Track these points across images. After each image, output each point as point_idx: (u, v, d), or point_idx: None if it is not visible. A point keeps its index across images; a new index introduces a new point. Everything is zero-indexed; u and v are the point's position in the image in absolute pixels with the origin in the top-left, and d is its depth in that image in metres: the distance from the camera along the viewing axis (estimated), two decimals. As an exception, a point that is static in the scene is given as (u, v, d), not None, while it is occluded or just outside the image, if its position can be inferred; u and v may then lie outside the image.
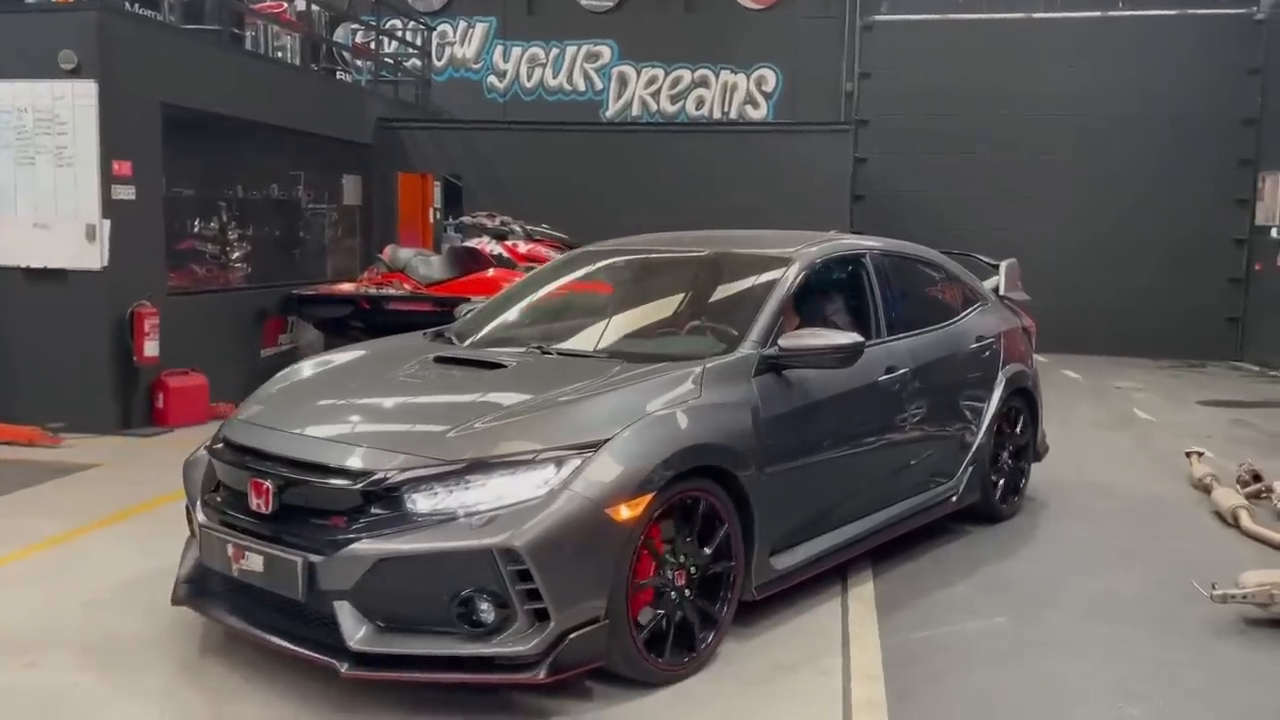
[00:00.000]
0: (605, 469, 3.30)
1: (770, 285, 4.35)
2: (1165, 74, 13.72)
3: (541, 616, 3.16)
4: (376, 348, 4.73)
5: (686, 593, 3.57)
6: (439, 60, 15.86)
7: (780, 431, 3.96)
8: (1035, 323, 6.30)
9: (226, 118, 8.88)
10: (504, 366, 4.05)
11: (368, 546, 3.18)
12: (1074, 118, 13.96)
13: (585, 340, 4.47)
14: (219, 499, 3.70)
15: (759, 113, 15.24)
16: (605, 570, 3.27)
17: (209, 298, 8.90)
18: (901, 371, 4.73)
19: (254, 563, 3.38)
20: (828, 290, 4.84)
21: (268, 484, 3.42)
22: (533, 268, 8.50)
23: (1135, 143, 13.89)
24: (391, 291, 8.88)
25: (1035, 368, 6.02)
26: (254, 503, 3.45)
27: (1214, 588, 4.14)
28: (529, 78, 16.00)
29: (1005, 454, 5.67)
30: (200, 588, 3.73)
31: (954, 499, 5.18)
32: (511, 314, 4.98)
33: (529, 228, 8.61)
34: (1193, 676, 3.71)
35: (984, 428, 5.37)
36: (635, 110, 15.59)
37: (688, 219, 12.46)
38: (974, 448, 5.31)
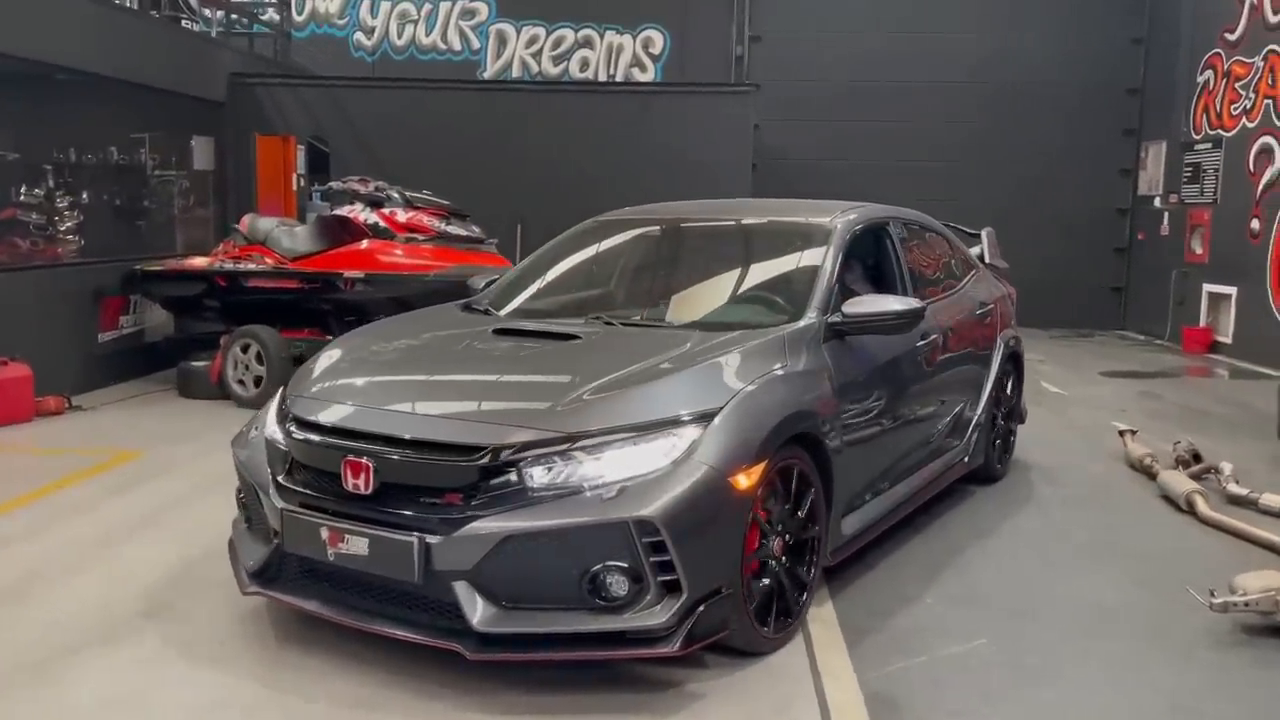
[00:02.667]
0: (724, 438, 3.23)
1: (821, 253, 4.32)
2: (1053, 43, 13.63)
3: (673, 589, 3.08)
4: (414, 323, 4.56)
5: (784, 560, 3.54)
6: (299, 15, 14.57)
7: (849, 397, 3.99)
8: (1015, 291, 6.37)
9: (51, 67, 7.65)
10: (577, 338, 3.90)
11: (491, 524, 3.05)
12: (964, 86, 13.75)
13: (648, 310, 4.43)
14: (298, 481, 3.43)
15: (646, 76, 14.53)
16: (729, 539, 3.23)
17: (33, 274, 7.71)
18: (933, 337, 4.79)
19: (356, 546, 3.18)
20: (862, 257, 4.84)
21: (368, 463, 3.20)
22: (414, 238, 7.64)
23: (1024, 112, 13.79)
24: (251, 266, 7.85)
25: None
26: (350, 483, 3.24)
27: (1212, 595, 3.72)
28: (400, 35, 14.86)
29: (1000, 416, 5.76)
30: (275, 575, 3.48)
31: (965, 460, 5.29)
32: (543, 284, 4.83)
33: (409, 194, 7.71)
34: (1215, 710, 3.24)
35: (986, 392, 5.51)
36: (516, 71, 14.67)
37: (579, 185, 11.78)
38: (979, 411, 5.42)
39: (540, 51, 14.69)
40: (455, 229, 7.70)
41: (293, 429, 3.53)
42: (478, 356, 3.92)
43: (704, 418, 3.25)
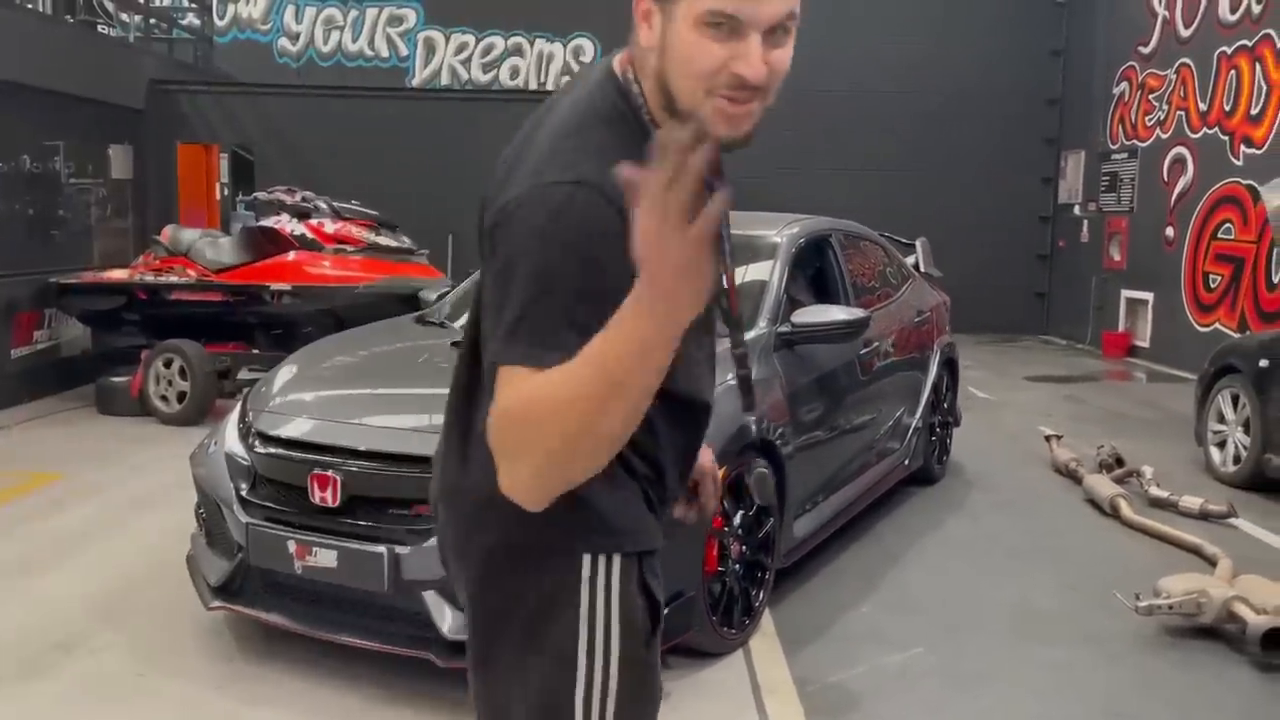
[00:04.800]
0: None
1: (768, 265, 4.40)
2: (976, 54, 13.92)
3: None
4: (369, 336, 4.61)
5: (741, 563, 3.62)
6: (221, 19, 14.24)
7: (800, 404, 4.11)
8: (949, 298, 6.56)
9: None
10: None
11: None
12: (892, 95, 13.98)
13: None
14: (263, 495, 3.45)
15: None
16: (690, 545, 3.28)
17: (-61, 289, 7.39)
18: (875, 345, 4.92)
19: (325, 558, 3.21)
20: (807, 269, 4.96)
21: (335, 476, 3.24)
22: (342, 250, 7.50)
23: (950, 121, 14.06)
24: (174, 279, 7.63)
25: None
26: (318, 497, 3.27)
27: (1138, 599, 3.81)
28: (325, 41, 14.62)
29: (937, 420, 5.93)
30: (238, 589, 3.46)
31: (906, 462, 5.46)
32: None
33: (336, 205, 7.57)
34: (1147, 712, 3.32)
35: (925, 397, 5.66)
36: (445, 79, 14.53)
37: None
38: (918, 415, 5.57)
39: (470, 59, 14.58)
40: (385, 240, 7.58)
41: (256, 444, 3.55)
42: (438, 369, 3.94)
43: None
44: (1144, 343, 11.83)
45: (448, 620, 3.09)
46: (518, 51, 14.56)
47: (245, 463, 3.54)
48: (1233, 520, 5.26)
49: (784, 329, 4.13)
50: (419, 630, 3.13)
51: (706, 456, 1.69)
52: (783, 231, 4.66)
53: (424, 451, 3.14)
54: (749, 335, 3.99)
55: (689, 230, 1.01)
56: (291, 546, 3.25)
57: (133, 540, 4.74)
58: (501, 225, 1.24)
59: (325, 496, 3.25)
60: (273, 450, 3.48)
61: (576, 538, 1.32)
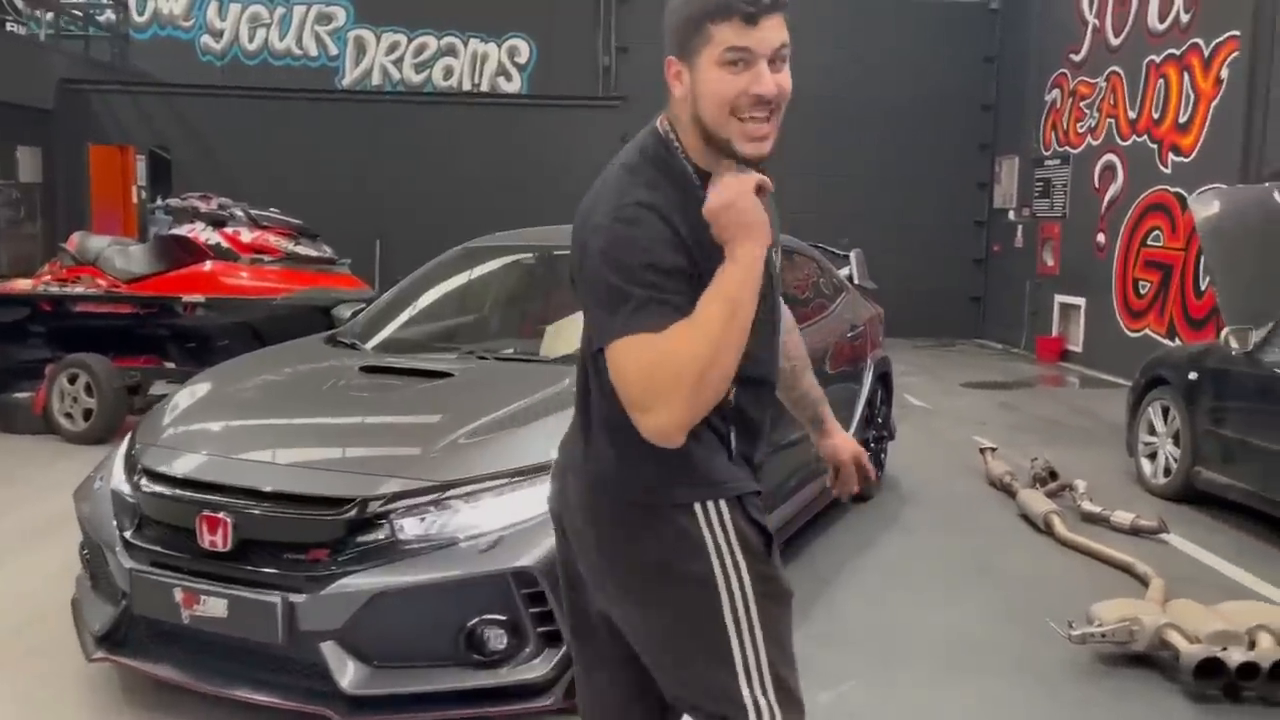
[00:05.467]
0: None
1: None
2: (910, 60, 13.94)
3: (554, 640, 2.94)
4: (275, 360, 4.30)
5: None
6: (140, 15, 13.75)
7: None
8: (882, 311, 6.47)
9: None
10: (450, 375, 3.72)
11: (360, 581, 2.89)
12: (828, 100, 13.90)
13: (522, 343, 4.24)
14: (149, 538, 3.17)
15: (512, 85, 14.27)
16: None
17: None
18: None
19: (214, 607, 2.97)
20: None
21: (226, 518, 2.99)
22: (259, 260, 7.20)
23: (884, 127, 14.06)
24: (80, 290, 7.26)
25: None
26: (207, 540, 3.02)
27: (1071, 627, 3.72)
28: (251, 39, 14.19)
29: (871, 435, 5.81)
30: (124, 638, 3.20)
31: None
32: (412, 315, 4.61)
33: (254, 212, 7.27)
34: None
35: (859, 412, 5.53)
36: (376, 79, 14.20)
37: (442, 199, 11.45)
38: (852, 430, 5.38)
39: (402, 59, 14.25)
40: (304, 249, 7.29)
41: (142, 481, 3.29)
42: (344, 397, 3.76)
43: None
44: (1077, 347, 11.94)
45: (348, 674, 2.90)
46: (451, 51, 14.28)
47: (131, 501, 3.29)
48: (1164, 536, 5.23)
49: None
50: (317, 684, 2.94)
51: (848, 442, 2.14)
52: None
53: (321, 490, 3.00)
54: None
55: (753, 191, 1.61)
56: (178, 594, 3.01)
57: (19, 576, 4.43)
58: (591, 239, 1.63)
59: (215, 540, 3.01)
60: (159, 489, 3.22)
61: (690, 493, 1.70)
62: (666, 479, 1.68)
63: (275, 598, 2.91)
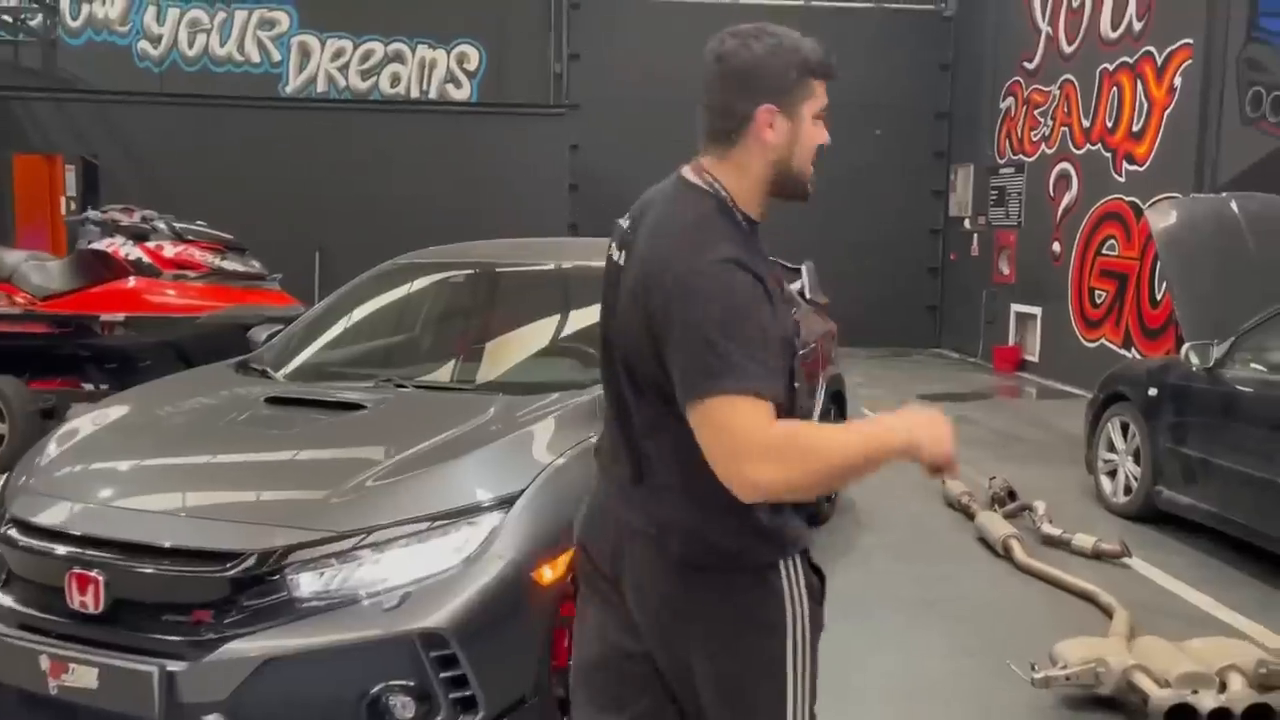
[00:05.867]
0: (527, 524, 2.82)
1: None
2: (867, 68, 13.77)
3: (468, 706, 2.66)
4: (174, 390, 3.92)
5: None
6: (74, 19, 13.26)
7: None
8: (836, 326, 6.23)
9: None
10: (363, 407, 3.38)
11: (249, 646, 2.59)
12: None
13: (448, 370, 3.96)
14: (14, 597, 2.84)
15: (462, 92, 13.94)
16: (532, 642, 2.81)
17: None
18: None
19: (84, 677, 2.65)
20: None
21: (98, 575, 2.66)
22: (183, 276, 6.83)
23: (840, 134, 13.72)
24: (-8, 308, 6.84)
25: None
26: (76, 600, 2.69)
27: (1034, 669, 3.49)
28: (190, 45, 13.75)
29: None
30: None
31: None
32: (332, 340, 4.25)
33: (178, 225, 6.90)
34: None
35: None
36: (321, 86, 13.80)
37: (386, 209, 11.10)
38: None
39: (347, 66, 13.87)
40: (231, 264, 6.93)
41: (11, 531, 2.93)
42: (242, 434, 3.38)
43: (505, 502, 2.83)
44: (1033, 357, 11.84)
45: None
46: (398, 58, 13.92)
47: None
48: (1126, 560, 5.05)
49: None
50: None
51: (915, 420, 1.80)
52: None
53: (204, 544, 2.69)
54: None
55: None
56: (44, 662, 2.68)
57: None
58: (679, 288, 1.64)
59: (86, 601, 2.67)
60: (26, 541, 2.86)
61: (776, 553, 1.79)
62: (755, 541, 1.76)
63: (151, 666, 2.58)
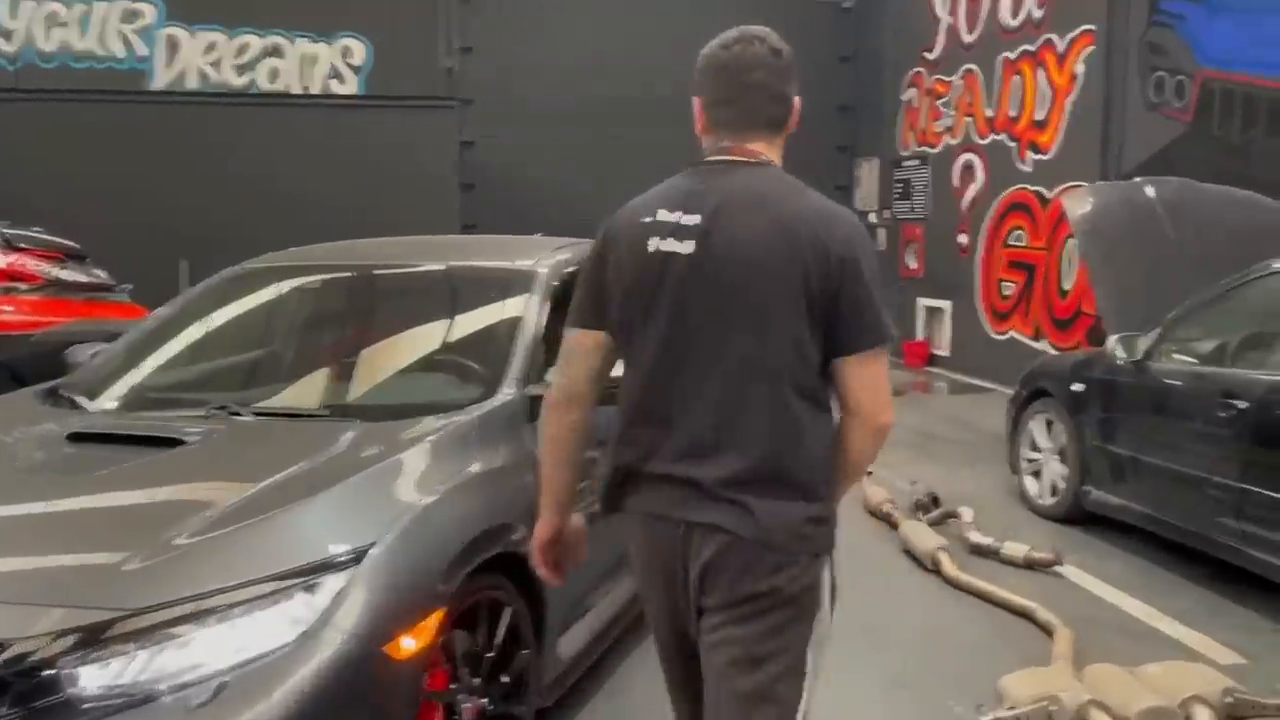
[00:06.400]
0: (379, 587, 2.29)
1: (522, 305, 3.38)
2: (766, 59, 13.50)
3: None
4: None
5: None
6: (-87, 12, 12.11)
7: None
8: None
9: None
10: (183, 442, 2.83)
11: None
12: (669, 103, 13.30)
13: (297, 393, 3.35)
14: None
15: (347, 89, 13.14)
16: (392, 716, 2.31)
17: None
18: None
19: None
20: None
21: None
22: (14, 289, 6.07)
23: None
24: None
25: None
26: None
27: (980, 711, 3.11)
28: (47, 39, 12.68)
29: None
30: None
31: None
32: (161, 359, 3.63)
33: (9, 232, 6.14)
34: None
35: None
36: (192, 82, 12.85)
37: (262, 212, 10.36)
38: None
39: (220, 60, 12.97)
40: (71, 274, 6.20)
41: None
42: (31, 482, 2.77)
43: (352, 559, 2.29)
44: (943, 351, 11.68)
45: None
46: (277, 52, 13.06)
47: None
48: (1059, 568, 4.73)
49: (541, 390, 3.17)
50: None
51: None
52: (544, 261, 3.61)
53: None
54: (496, 402, 3.04)
55: None
56: None
57: None
58: (850, 250, 1.86)
59: None
60: None
61: (830, 541, 1.95)
62: (829, 511, 1.94)
63: None
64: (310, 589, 2.20)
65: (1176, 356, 4.85)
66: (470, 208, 12.96)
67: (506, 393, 3.08)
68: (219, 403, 3.06)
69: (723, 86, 1.99)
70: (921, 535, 4.90)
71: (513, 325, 3.31)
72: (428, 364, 3.41)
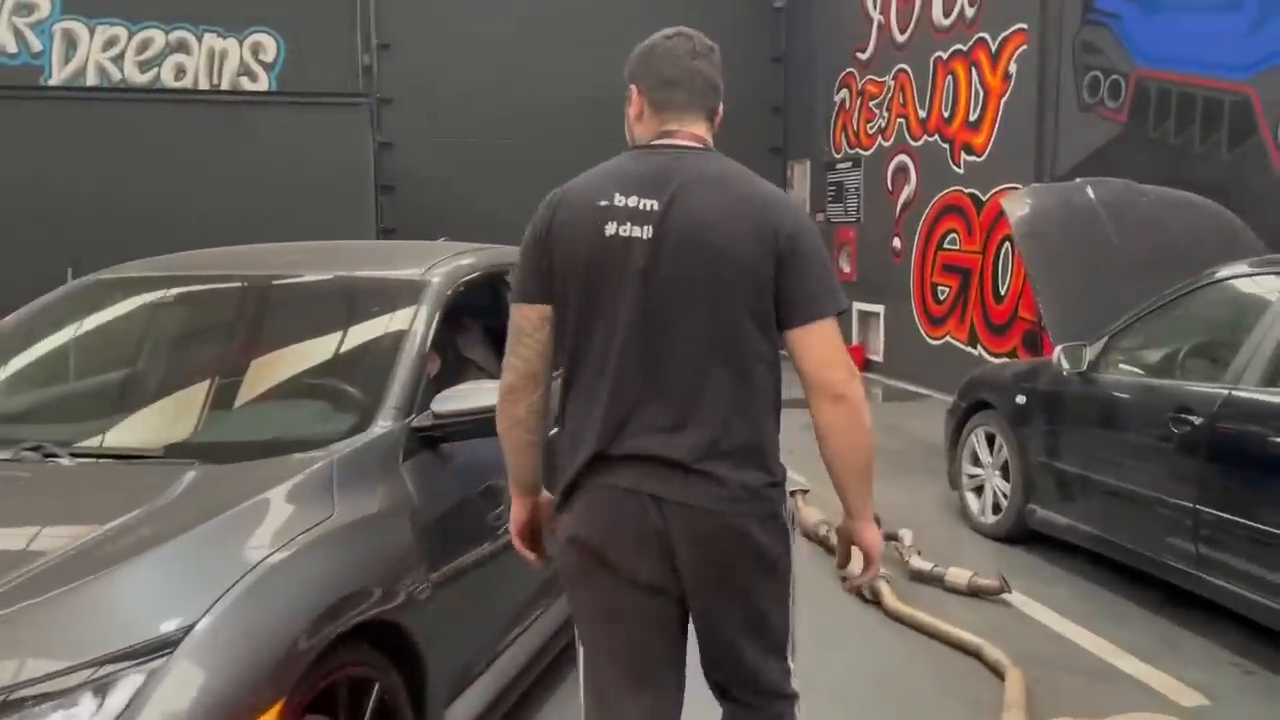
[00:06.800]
0: (194, 683, 1.82)
1: (406, 322, 2.94)
2: (696, 59, 13.19)
3: None
4: None
5: None
6: None
7: (446, 536, 2.69)
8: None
9: None
10: None
11: None
12: (594, 104, 12.87)
13: (133, 429, 2.84)
14: None
15: (259, 86, 12.55)
16: None
17: None
18: None
19: None
20: (471, 324, 3.79)
21: None
22: None
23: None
24: None
25: None
26: None
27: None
28: (-70, 32, 11.88)
29: None
30: None
31: None
32: None
33: None
34: None
35: None
36: (92, 79, 12.16)
37: (157, 215, 9.68)
38: None
39: (122, 55, 12.27)
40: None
41: None
42: None
43: (160, 649, 1.83)
44: (877, 357, 11.45)
45: None
46: (183, 47, 12.42)
47: None
48: (1005, 595, 4.43)
49: (423, 422, 2.74)
50: None
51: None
52: (435, 270, 3.18)
53: None
54: (367, 437, 2.61)
55: None
56: None
57: None
58: (800, 223, 2.00)
59: None
60: None
61: (782, 493, 2.08)
62: (781, 471, 2.06)
63: None
64: (100, 690, 1.74)
65: (1124, 367, 4.58)
66: (390, 212, 12.44)
67: (383, 425, 2.65)
68: (34, 441, 2.57)
69: (670, 69, 2.06)
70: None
71: (395, 345, 2.88)
72: (293, 392, 2.96)
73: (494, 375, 3.74)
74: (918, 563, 4.67)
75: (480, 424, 2.71)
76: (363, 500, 2.41)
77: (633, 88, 2.09)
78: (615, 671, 2.05)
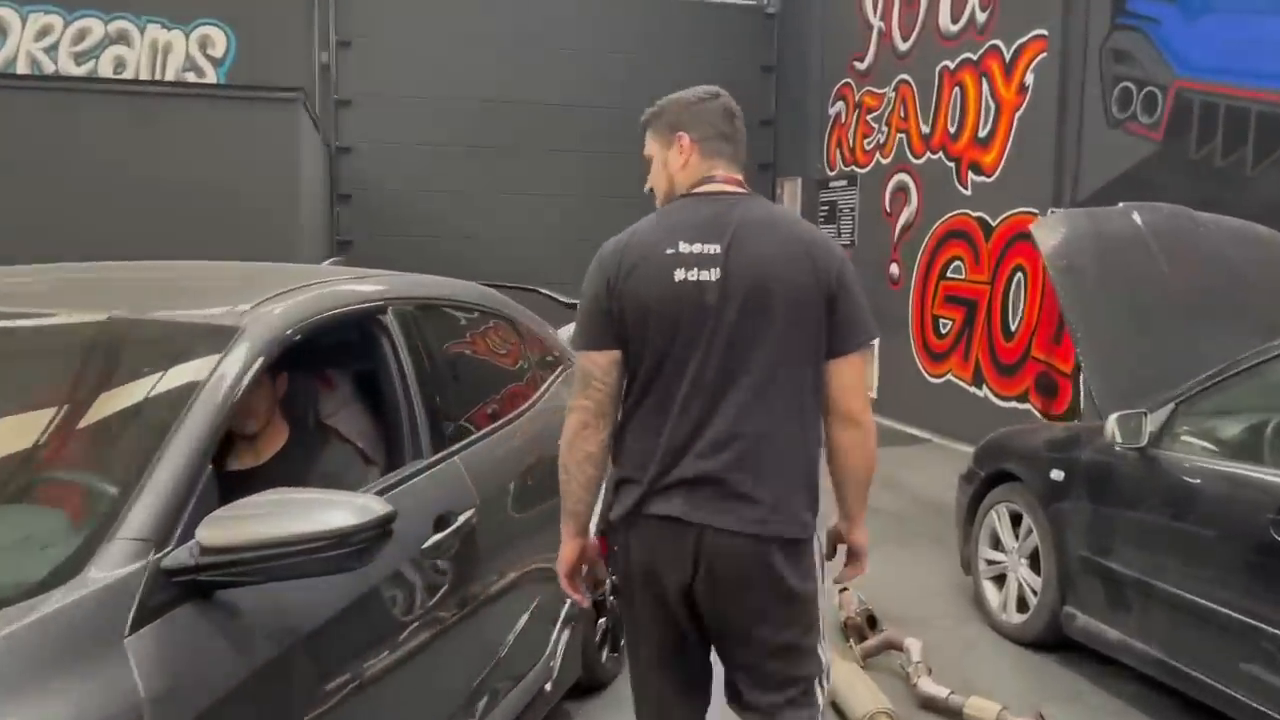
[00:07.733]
0: None
1: (188, 390, 1.96)
2: (680, 70, 12.17)
3: None
4: None
5: None
6: None
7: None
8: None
9: None
10: None
11: None
12: (595, 111, 11.94)
13: None
14: None
15: (206, 82, 11.53)
16: None
17: None
18: (463, 519, 2.58)
19: None
20: (340, 381, 2.93)
21: None
22: None
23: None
24: None
25: None
26: None
27: None
28: None
29: (607, 592, 3.66)
30: None
31: (552, 681, 3.18)
32: None
33: None
34: None
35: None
36: (23, 69, 11.14)
37: (97, 215, 8.66)
38: (569, 602, 3.20)
39: (57, 46, 11.25)
40: None
41: None
42: None
43: None
44: (871, 394, 10.46)
45: None
46: (123, 39, 11.39)
47: None
48: (1043, 739, 3.43)
49: (178, 560, 1.68)
50: None
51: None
52: (257, 313, 2.21)
53: None
54: (78, 596, 1.56)
55: None
56: None
57: None
58: (840, 260, 2.20)
59: None
60: None
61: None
62: (813, 510, 2.23)
63: None
64: None
65: (1197, 443, 3.59)
66: (347, 220, 11.47)
67: (103, 569, 1.61)
68: None
69: (723, 124, 2.31)
70: (859, 691, 3.51)
71: (161, 425, 1.86)
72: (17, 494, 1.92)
73: (367, 451, 2.75)
74: (928, 687, 3.66)
75: (265, 566, 1.71)
76: (44, 707, 1.39)
77: (683, 136, 2.31)
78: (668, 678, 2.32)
